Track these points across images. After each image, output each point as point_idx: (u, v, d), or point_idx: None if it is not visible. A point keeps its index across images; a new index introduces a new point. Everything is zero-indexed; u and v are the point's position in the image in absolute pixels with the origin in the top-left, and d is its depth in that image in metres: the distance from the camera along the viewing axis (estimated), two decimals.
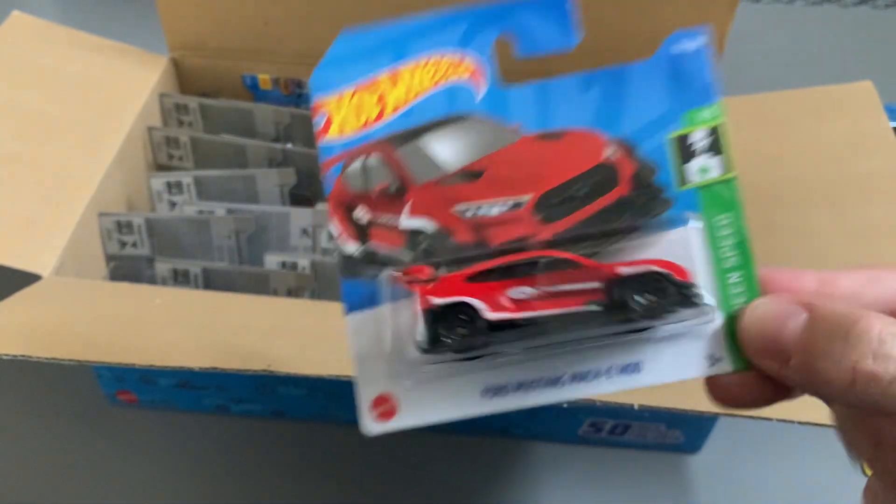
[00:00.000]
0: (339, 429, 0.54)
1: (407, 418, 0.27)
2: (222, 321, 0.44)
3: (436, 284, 0.26)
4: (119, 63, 0.62)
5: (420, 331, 0.26)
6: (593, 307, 0.25)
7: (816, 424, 0.39)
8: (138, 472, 0.51)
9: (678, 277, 0.25)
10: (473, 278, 0.26)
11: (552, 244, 0.26)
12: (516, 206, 0.26)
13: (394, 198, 0.27)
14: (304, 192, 0.60)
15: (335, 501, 0.51)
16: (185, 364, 0.39)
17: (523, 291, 0.26)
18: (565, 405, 0.49)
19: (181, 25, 0.63)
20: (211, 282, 0.52)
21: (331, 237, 0.25)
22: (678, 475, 0.53)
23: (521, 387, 0.26)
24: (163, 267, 0.52)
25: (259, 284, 0.52)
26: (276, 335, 0.43)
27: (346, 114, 0.26)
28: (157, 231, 0.54)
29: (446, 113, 0.26)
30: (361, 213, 0.27)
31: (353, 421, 0.53)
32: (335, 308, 0.47)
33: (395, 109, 0.26)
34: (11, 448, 0.52)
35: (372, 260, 0.27)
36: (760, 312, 0.24)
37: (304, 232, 0.56)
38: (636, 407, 0.39)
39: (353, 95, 0.26)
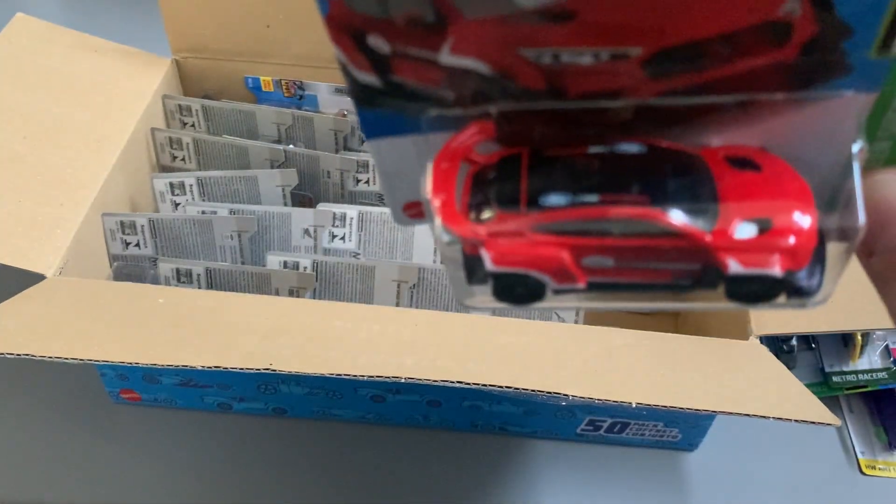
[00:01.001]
0: (341, 427, 0.54)
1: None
2: (225, 320, 0.45)
3: (495, 234, 0.21)
4: (122, 65, 0.63)
5: (461, 277, 0.22)
6: (682, 283, 0.22)
7: (813, 423, 0.39)
8: (141, 470, 0.52)
9: (798, 262, 0.21)
10: (542, 228, 0.21)
11: (648, 109, 0.21)
12: (617, 57, 0.19)
13: (428, 31, 0.20)
14: (306, 193, 0.61)
15: (336, 499, 0.51)
16: (188, 363, 0.40)
17: (601, 262, 0.22)
18: (563, 403, 0.49)
19: (184, 28, 0.64)
20: (213, 281, 0.53)
21: (339, 65, 0.20)
22: (675, 473, 0.53)
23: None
24: (166, 267, 0.53)
25: (261, 284, 0.52)
26: (277, 334, 0.43)
27: None
28: (161, 231, 0.55)
29: None
30: (378, 43, 0.20)
31: (354, 419, 0.54)
32: (337, 307, 0.47)
33: None
34: (15, 446, 0.53)
35: (398, 93, 0.21)
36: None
37: (306, 232, 0.57)
38: (634, 405, 0.39)
39: None
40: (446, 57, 0.20)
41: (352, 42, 0.20)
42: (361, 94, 0.21)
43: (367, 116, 0.22)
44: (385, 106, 0.22)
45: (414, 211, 0.25)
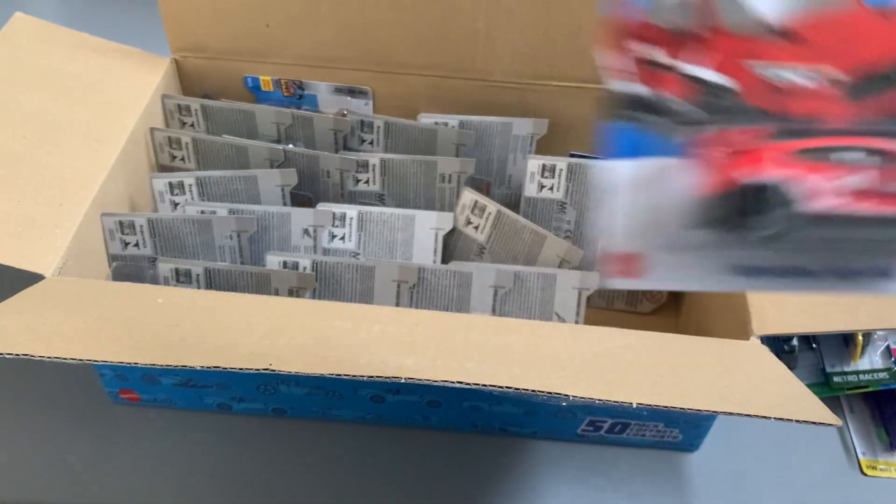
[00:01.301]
0: (340, 427, 0.54)
1: (653, 281, 0.25)
2: (225, 320, 0.45)
3: (749, 152, 0.22)
4: (121, 64, 0.62)
5: (710, 206, 0.23)
6: None
7: (814, 423, 0.39)
8: (140, 471, 0.52)
9: None
10: (804, 153, 0.22)
11: (850, 131, 0.22)
12: (830, 81, 0.22)
13: (687, 38, 0.23)
14: (305, 193, 0.61)
15: (336, 499, 0.51)
16: (187, 363, 0.39)
17: (862, 180, 0.22)
18: (564, 403, 0.49)
19: (183, 27, 0.64)
20: (213, 281, 0.53)
21: (603, 72, 0.23)
22: (676, 473, 0.53)
23: (788, 273, 0.23)
24: (165, 267, 0.52)
25: (261, 284, 0.52)
26: (277, 334, 0.43)
27: None
28: (160, 231, 0.55)
29: None
30: (657, 53, 0.23)
31: (354, 420, 0.54)
32: (337, 307, 0.47)
33: None
34: (14, 447, 0.53)
35: (649, 105, 0.23)
36: None
37: (306, 232, 0.57)
38: (634, 405, 0.39)
39: None
40: (693, 67, 0.23)
41: (630, 48, 0.22)
42: (624, 105, 0.23)
43: (620, 130, 0.24)
44: (640, 120, 0.24)
45: (617, 267, 0.25)
